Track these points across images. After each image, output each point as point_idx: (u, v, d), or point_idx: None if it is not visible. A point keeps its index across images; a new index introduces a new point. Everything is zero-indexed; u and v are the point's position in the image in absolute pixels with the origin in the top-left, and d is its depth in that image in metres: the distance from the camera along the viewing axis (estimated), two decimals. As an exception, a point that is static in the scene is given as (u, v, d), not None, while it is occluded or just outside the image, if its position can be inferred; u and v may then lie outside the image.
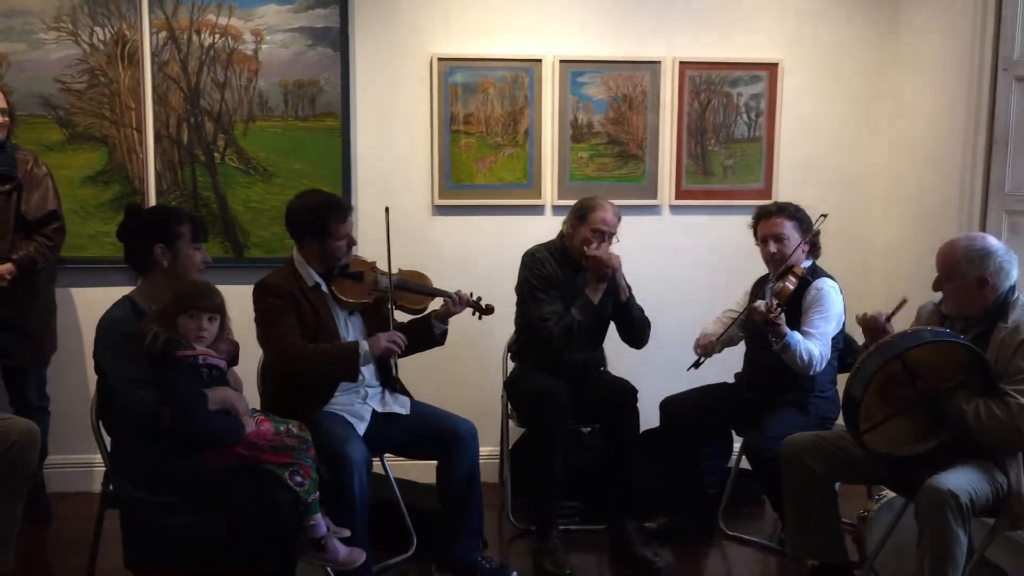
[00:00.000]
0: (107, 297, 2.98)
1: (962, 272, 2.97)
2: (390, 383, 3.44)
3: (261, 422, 2.87)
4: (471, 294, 3.47)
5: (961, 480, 2.79)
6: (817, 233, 3.70)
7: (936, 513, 2.74)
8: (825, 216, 3.57)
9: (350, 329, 3.35)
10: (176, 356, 2.68)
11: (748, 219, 3.82)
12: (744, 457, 3.70)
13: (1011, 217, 3.71)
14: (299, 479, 2.76)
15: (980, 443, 2.88)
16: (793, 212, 3.67)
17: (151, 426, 2.69)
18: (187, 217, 3.01)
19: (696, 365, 3.65)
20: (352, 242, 3.33)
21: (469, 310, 3.47)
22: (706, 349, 3.68)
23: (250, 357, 3.41)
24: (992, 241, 3.03)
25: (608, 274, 3.64)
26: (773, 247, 3.63)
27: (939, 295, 3.13)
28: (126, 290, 2.99)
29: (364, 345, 3.19)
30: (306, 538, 2.83)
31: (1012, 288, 2.98)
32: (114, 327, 2.81)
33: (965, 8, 3.87)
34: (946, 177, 4.04)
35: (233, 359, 2.94)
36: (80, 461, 4.18)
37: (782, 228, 3.63)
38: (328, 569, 3.03)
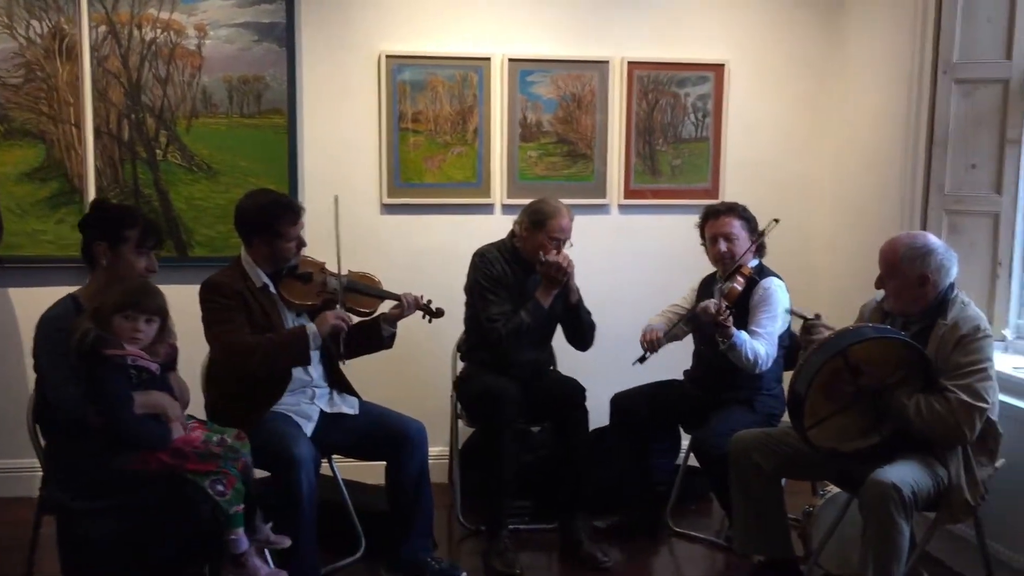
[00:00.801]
0: (46, 297, 2.91)
1: (904, 270, 3.02)
2: (338, 383, 3.40)
3: (193, 429, 2.81)
4: (421, 297, 3.44)
5: (903, 474, 2.84)
6: (763, 233, 3.74)
7: (880, 507, 2.79)
8: (777, 221, 3.60)
9: (298, 330, 3.30)
10: (103, 354, 2.62)
11: (696, 219, 3.85)
12: (692, 454, 3.73)
13: (950, 217, 3.79)
14: (220, 488, 2.67)
15: (921, 438, 2.94)
16: (741, 212, 3.71)
17: (78, 424, 2.64)
18: (140, 221, 2.94)
19: (642, 360, 3.64)
20: (302, 244, 3.28)
21: (419, 313, 3.45)
22: (652, 344, 3.66)
23: (194, 362, 3.35)
24: (933, 239, 3.09)
25: (563, 280, 3.63)
26: (723, 246, 3.66)
27: (881, 293, 3.18)
28: (66, 289, 2.93)
29: (311, 327, 3.14)
30: (226, 553, 2.73)
31: (951, 286, 3.05)
32: (52, 324, 2.76)
33: (907, 12, 3.95)
34: (888, 177, 4.11)
35: (171, 363, 2.88)
36: (20, 466, 4.06)
37: (732, 228, 3.67)
38: None
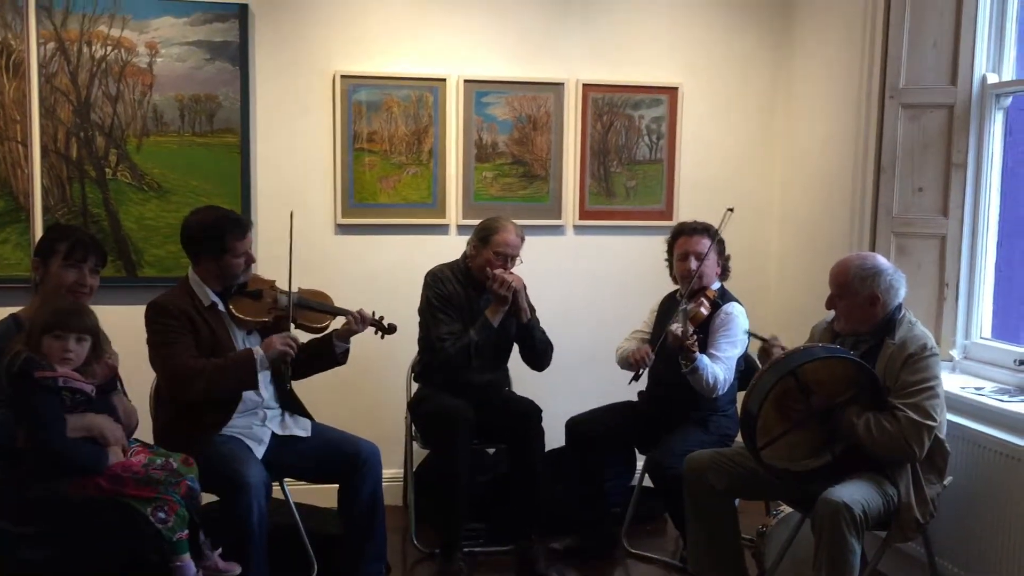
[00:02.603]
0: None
1: (854, 290, 3.07)
2: (289, 405, 3.36)
3: (136, 453, 2.75)
4: (373, 313, 3.42)
5: (854, 493, 2.87)
6: (729, 257, 3.78)
7: (831, 526, 2.81)
8: (731, 210, 3.58)
9: (247, 349, 3.26)
10: (33, 376, 2.56)
11: (650, 240, 3.88)
12: (647, 475, 3.74)
13: (898, 239, 3.85)
14: (162, 515, 2.63)
15: (871, 456, 2.97)
16: (714, 233, 3.74)
17: (5, 448, 2.58)
18: (71, 235, 2.92)
19: (636, 377, 3.65)
20: (251, 259, 3.25)
21: (371, 329, 3.42)
22: (644, 360, 3.62)
23: (143, 385, 3.29)
24: (881, 260, 3.14)
25: (508, 296, 3.63)
26: (694, 264, 3.67)
27: (831, 314, 3.22)
28: (9, 311, 2.90)
29: (259, 350, 3.10)
30: None
31: (899, 306, 3.10)
32: None
33: (854, 38, 4.02)
34: (838, 200, 4.17)
35: (109, 384, 2.82)
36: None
37: (704, 248, 3.69)
38: None
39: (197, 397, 3.06)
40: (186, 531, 2.67)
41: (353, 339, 3.42)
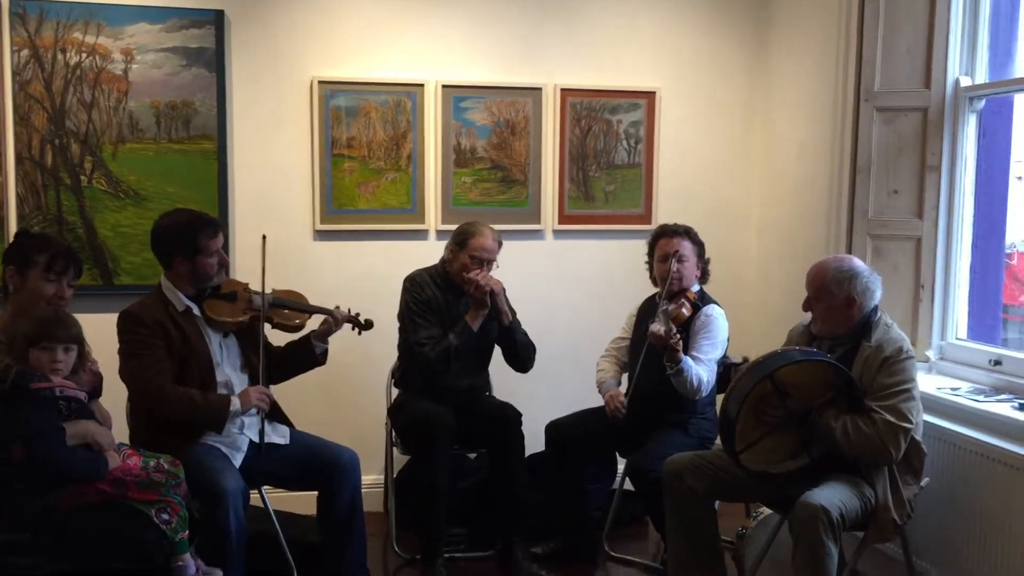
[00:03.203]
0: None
1: (831, 292, 3.09)
2: (269, 412, 3.34)
3: (129, 456, 2.75)
4: (349, 310, 3.42)
5: (832, 496, 2.88)
6: (708, 260, 3.80)
7: (809, 528, 2.82)
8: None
9: (224, 353, 3.24)
10: (30, 389, 2.54)
11: (630, 243, 3.89)
12: (628, 478, 3.74)
13: (874, 241, 3.88)
14: (166, 517, 2.67)
15: (849, 458, 2.99)
16: (695, 236, 3.76)
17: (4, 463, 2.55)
18: (51, 246, 2.89)
19: (617, 422, 3.70)
20: (224, 261, 3.24)
21: (348, 326, 3.42)
22: (618, 411, 3.69)
23: (120, 390, 3.26)
24: (858, 263, 3.16)
25: (486, 301, 3.63)
26: (675, 266, 3.68)
27: (808, 316, 3.24)
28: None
29: (236, 402, 3.10)
30: None
31: (876, 308, 3.12)
32: None
33: (829, 42, 4.05)
34: (814, 203, 4.19)
35: (96, 390, 2.81)
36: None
37: (684, 249, 3.71)
38: None
39: (164, 416, 3.06)
40: (187, 531, 2.72)
41: (332, 345, 3.42)
